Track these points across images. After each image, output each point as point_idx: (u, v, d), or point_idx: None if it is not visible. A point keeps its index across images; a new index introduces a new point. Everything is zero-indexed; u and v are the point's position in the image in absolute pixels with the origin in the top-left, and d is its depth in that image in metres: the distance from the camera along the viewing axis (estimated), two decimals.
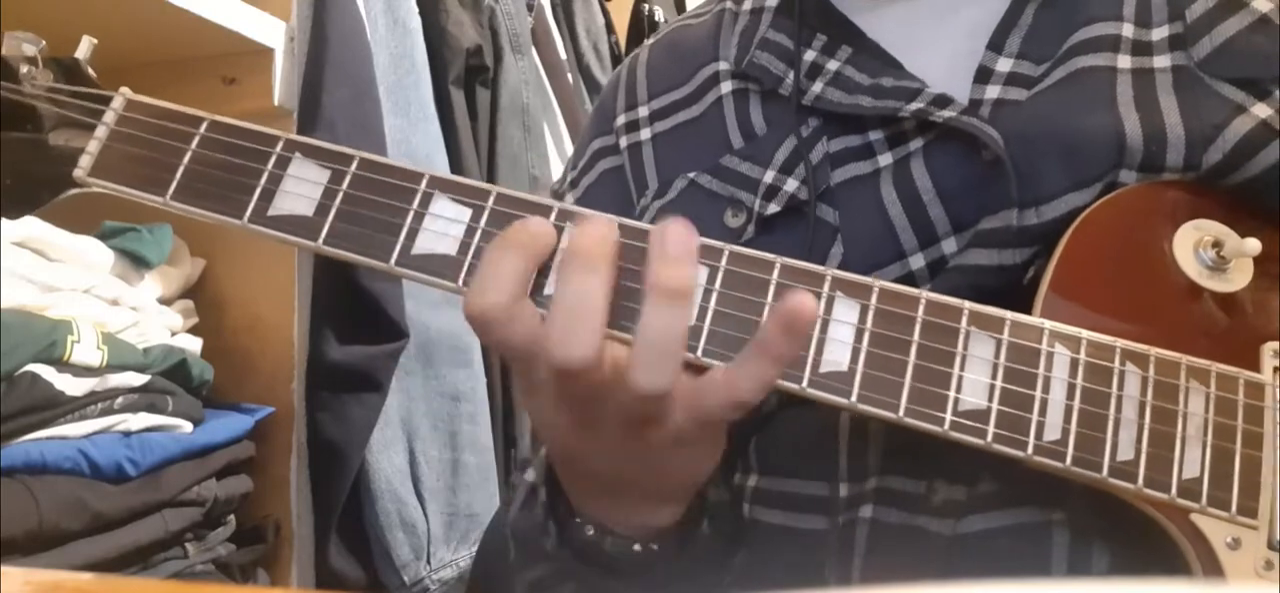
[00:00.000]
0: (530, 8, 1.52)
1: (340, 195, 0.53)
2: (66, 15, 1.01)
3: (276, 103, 1.12)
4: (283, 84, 1.13)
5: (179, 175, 0.54)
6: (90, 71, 0.60)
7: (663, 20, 2.00)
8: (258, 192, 0.53)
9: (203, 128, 0.55)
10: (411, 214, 0.52)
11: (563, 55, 1.64)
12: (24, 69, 0.57)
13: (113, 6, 0.99)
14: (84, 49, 0.60)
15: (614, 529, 0.55)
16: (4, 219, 0.60)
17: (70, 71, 0.59)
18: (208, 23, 1.02)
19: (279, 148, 0.54)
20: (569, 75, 1.64)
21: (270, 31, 1.12)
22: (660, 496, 0.54)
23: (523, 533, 0.64)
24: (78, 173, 0.55)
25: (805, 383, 0.48)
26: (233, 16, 1.06)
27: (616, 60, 1.82)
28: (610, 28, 1.85)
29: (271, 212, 0.53)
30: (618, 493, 0.54)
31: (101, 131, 0.56)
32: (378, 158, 0.54)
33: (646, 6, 1.99)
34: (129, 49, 1.10)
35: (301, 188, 0.53)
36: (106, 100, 0.57)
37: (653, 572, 0.56)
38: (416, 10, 1.31)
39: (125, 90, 0.57)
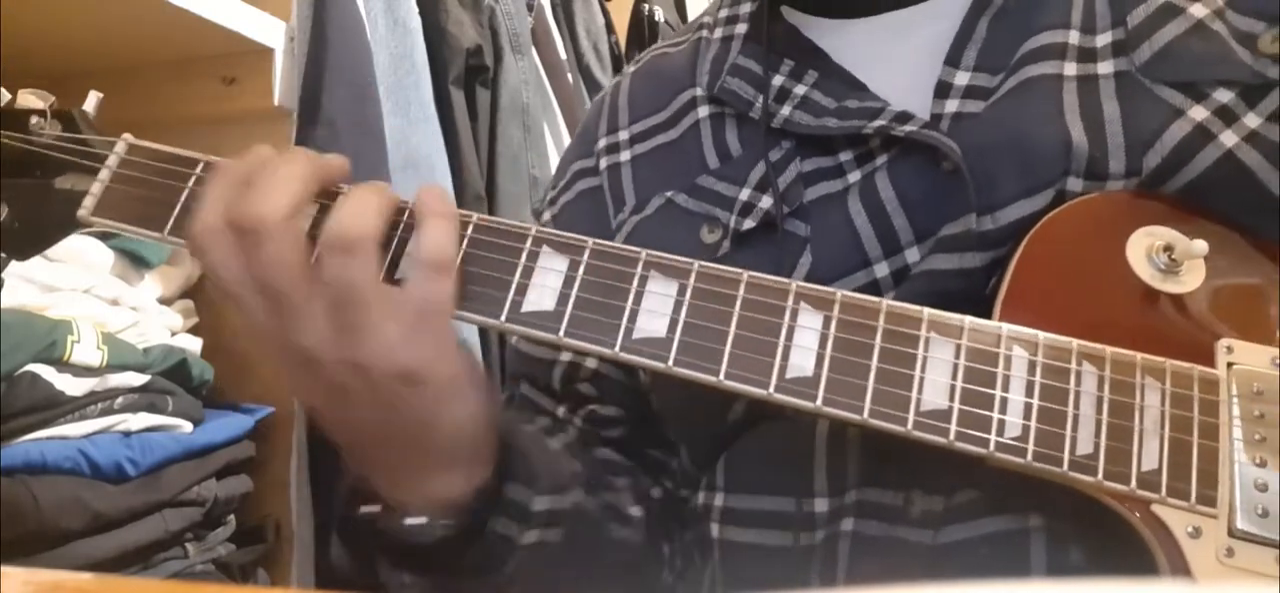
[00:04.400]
0: (530, 8, 1.52)
1: None
2: (68, 16, 1.01)
3: (276, 103, 1.12)
4: (283, 84, 1.13)
5: (176, 212, 0.57)
6: (94, 122, 0.65)
7: (662, 21, 2.00)
8: None
9: (199, 169, 0.58)
10: (398, 234, 0.55)
11: (563, 55, 1.64)
12: (34, 120, 0.63)
13: (113, 7, 0.99)
14: (91, 103, 0.65)
15: (393, 506, 0.57)
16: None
17: (76, 121, 0.63)
18: (208, 23, 1.02)
19: None
20: (569, 75, 1.64)
21: (270, 31, 1.12)
22: (424, 455, 0.55)
23: None
24: (82, 213, 0.59)
25: (772, 388, 0.50)
26: (233, 16, 1.06)
27: (616, 60, 1.82)
28: (610, 28, 1.85)
29: None
30: (387, 459, 0.56)
31: (104, 174, 0.60)
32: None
33: (646, 6, 1.99)
34: (129, 49, 1.10)
35: None
36: (110, 145, 0.61)
37: (450, 559, 0.57)
38: (416, 10, 1.31)
39: (128, 136, 0.61)
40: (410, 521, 0.56)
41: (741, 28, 0.71)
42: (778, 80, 0.66)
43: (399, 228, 0.54)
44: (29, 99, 0.63)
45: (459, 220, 0.54)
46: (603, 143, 0.74)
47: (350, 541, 0.60)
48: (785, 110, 0.64)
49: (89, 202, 0.59)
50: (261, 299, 0.52)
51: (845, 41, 0.66)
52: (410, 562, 0.58)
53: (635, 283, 0.53)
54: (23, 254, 0.65)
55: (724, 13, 0.74)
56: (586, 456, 0.68)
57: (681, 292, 0.52)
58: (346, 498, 0.59)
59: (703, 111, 0.69)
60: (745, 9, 0.72)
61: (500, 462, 0.58)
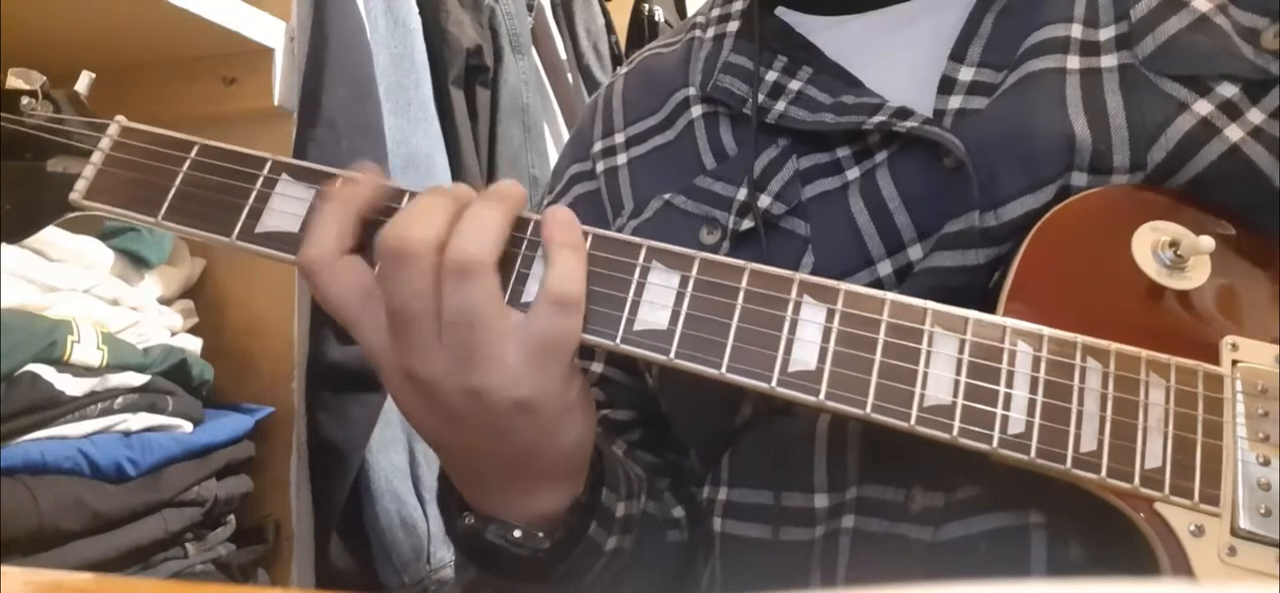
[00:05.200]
0: (530, 8, 1.52)
1: None
2: (67, 15, 1.01)
3: (276, 103, 1.12)
4: (283, 84, 1.13)
5: (170, 196, 0.57)
6: (86, 103, 0.63)
7: (662, 21, 2.00)
8: (246, 210, 0.56)
9: (194, 152, 0.57)
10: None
11: (563, 55, 1.64)
12: (25, 102, 0.61)
13: (113, 7, 0.99)
14: (83, 83, 0.63)
15: (496, 518, 0.56)
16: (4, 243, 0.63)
17: (69, 103, 0.62)
18: (208, 23, 1.02)
19: (267, 169, 0.57)
20: (569, 75, 1.64)
21: (270, 31, 1.12)
22: (532, 476, 0.55)
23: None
24: (74, 196, 0.58)
25: (775, 382, 0.50)
26: (233, 16, 1.06)
27: (616, 60, 1.82)
28: (610, 28, 1.85)
29: (259, 229, 0.56)
30: (492, 478, 0.56)
31: (97, 157, 0.59)
32: (359, 176, 0.56)
33: (646, 6, 1.99)
34: (129, 49, 1.10)
35: (288, 205, 0.56)
36: (102, 127, 0.59)
37: (546, 571, 0.57)
38: (416, 10, 1.31)
39: (120, 118, 0.60)
40: (517, 534, 0.56)
41: (733, 26, 0.71)
42: (771, 77, 0.65)
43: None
44: (17, 80, 0.61)
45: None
46: (599, 147, 0.73)
47: (463, 546, 0.60)
48: (780, 106, 0.64)
49: (81, 185, 0.58)
50: (383, 324, 0.51)
51: (841, 38, 0.66)
52: (500, 568, 0.58)
53: (637, 274, 0.52)
54: (14, 238, 0.64)
55: (716, 12, 0.74)
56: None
57: (684, 283, 0.52)
58: (447, 505, 0.60)
59: (696, 111, 0.69)
60: (737, 7, 0.72)
61: (593, 468, 0.58)
